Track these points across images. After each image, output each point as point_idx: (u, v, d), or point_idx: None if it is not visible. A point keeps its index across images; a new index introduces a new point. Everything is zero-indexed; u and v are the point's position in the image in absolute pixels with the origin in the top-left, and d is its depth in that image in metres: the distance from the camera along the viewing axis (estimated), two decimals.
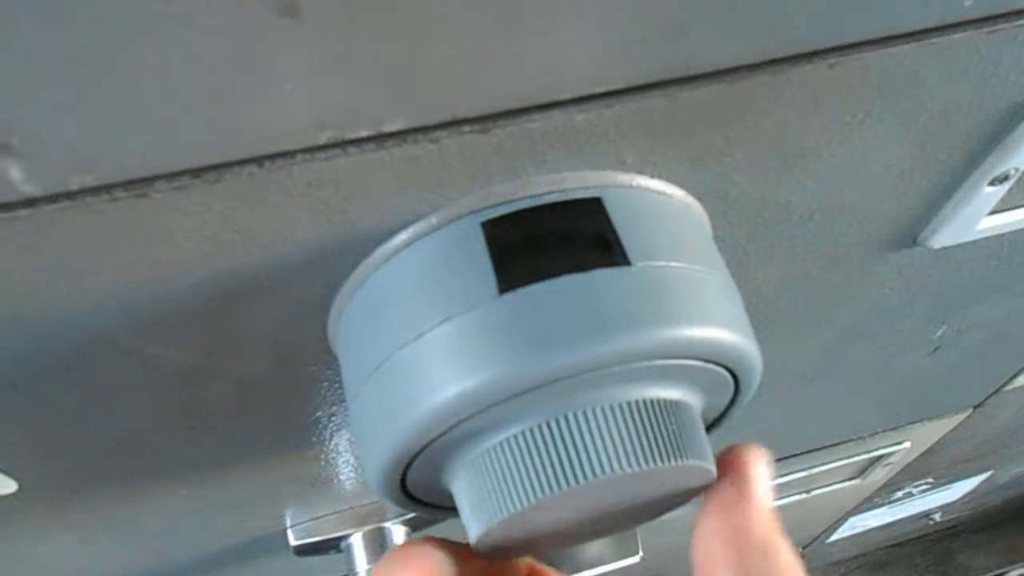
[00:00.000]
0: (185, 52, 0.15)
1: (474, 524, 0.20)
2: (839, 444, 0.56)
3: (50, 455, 0.25)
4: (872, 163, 0.24)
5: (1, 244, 0.17)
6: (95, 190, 0.16)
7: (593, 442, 0.19)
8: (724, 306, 0.20)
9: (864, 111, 0.21)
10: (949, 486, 1.00)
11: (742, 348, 0.20)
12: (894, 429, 0.56)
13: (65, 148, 0.15)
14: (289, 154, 0.17)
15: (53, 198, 0.16)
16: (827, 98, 0.21)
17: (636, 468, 0.19)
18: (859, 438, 0.56)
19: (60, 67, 0.14)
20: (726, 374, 0.21)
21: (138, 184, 0.17)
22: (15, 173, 0.15)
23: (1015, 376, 0.54)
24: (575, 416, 0.19)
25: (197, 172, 0.17)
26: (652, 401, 0.20)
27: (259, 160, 0.17)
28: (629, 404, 0.20)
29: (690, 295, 0.19)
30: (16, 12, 0.13)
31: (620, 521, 0.23)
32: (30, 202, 0.16)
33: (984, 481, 1.05)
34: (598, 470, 0.19)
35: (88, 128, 0.15)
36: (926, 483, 0.92)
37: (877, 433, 0.56)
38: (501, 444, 0.20)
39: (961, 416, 0.59)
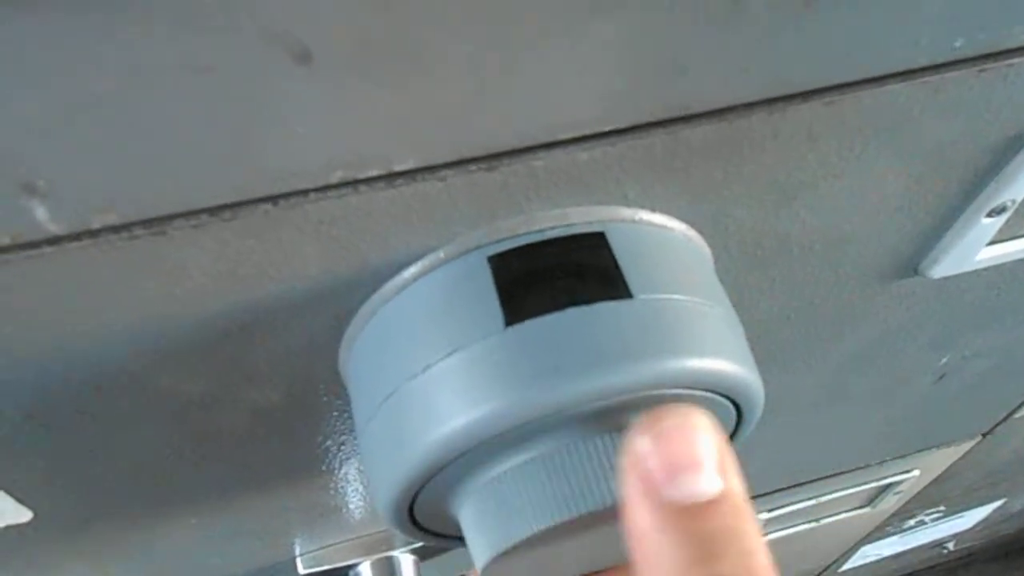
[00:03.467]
0: (203, 97, 0.15)
1: (481, 552, 0.21)
2: (847, 472, 0.56)
3: (65, 484, 0.26)
4: (870, 196, 0.24)
5: (25, 280, 0.17)
6: (116, 228, 0.17)
7: (599, 470, 0.20)
8: (725, 337, 0.21)
9: (860, 146, 0.22)
10: (962, 514, 0.99)
11: (743, 378, 0.20)
12: (902, 457, 0.56)
13: (88, 189, 0.16)
14: (302, 193, 0.18)
15: (76, 236, 0.17)
16: (824, 135, 0.21)
17: None
18: (867, 466, 0.56)
19: (84, 112, 0.15)
20: (728, 404, 0.21)
21: (157, 222, 0.17)
22: (41, 213, 0.16)
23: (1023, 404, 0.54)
24: (580, 445, 0.20)
25: (214, 210, 0.17)
26: None
27: (274, 199, 0.18)
28: None
29: (691, 327, 0.20)
30: (43, 61, 0.14)
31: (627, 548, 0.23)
32: (54, 240, 0.17)
33: (997, 509, 1.04)
34: (604, 498, 0.19)
35: (110, 170, 0.16)
36: (938, 511, 0.91)
37: (885, 461, 0.56)
38: (507, 473, 0.20)
39: (970, 444, 0.59)
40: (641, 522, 0.17)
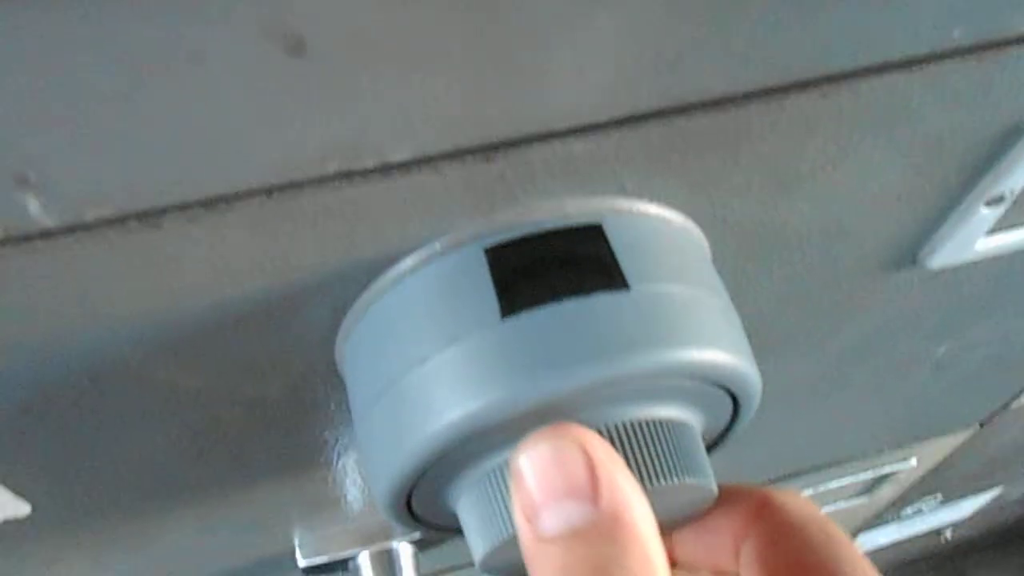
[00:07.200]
0: (196, 88, 0.15)
1: (478, 544, 0.21)
2: (845, 461, 0.56)
3: (63, 478, 0.26)
4: (868, 186, 0.24)
5: (18, 274, 0.17)
6: (110, 221, 0.17)
7: None
8: (722, 328, 0.20)
9: (858, 137, 0.22)
10: (959, 503, 1.00)
11: (740, 370, 0.20)
12: (900, 447, 0.56)
13: (81, 181, 0.16)
14: (297, 185, 0.18)
15: (69, 229, 0.17)
16: (821, 125, 0.21)
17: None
18: (865, 455, 0.56)
19: (75, 103, 0.15)
20: (725, 395, 0.21)
21: (151, 215, 0.17)
22: (33, 206, 0.16)
23: (1021, 393, 0.54)
24: None
25: (208, 203, 0.17)
26: (652, 421, 0.20)
27: (268, 191, 0.17)
28: (630, 424, 0.20)
29: (688, 318, 0.20)
30: (32, 51, 0.14)
31: None
32: (47, 234, 0.17)
33: (995, 498, 1.05)
34: None
35: (103, 162, 0.16)
36: (935, 500, 0.91)
37: (883, 451, 0.56)
38: (504, 465, 0.20)
39: (967, 433, 0.59)
40: (525, 549, 0.17)
